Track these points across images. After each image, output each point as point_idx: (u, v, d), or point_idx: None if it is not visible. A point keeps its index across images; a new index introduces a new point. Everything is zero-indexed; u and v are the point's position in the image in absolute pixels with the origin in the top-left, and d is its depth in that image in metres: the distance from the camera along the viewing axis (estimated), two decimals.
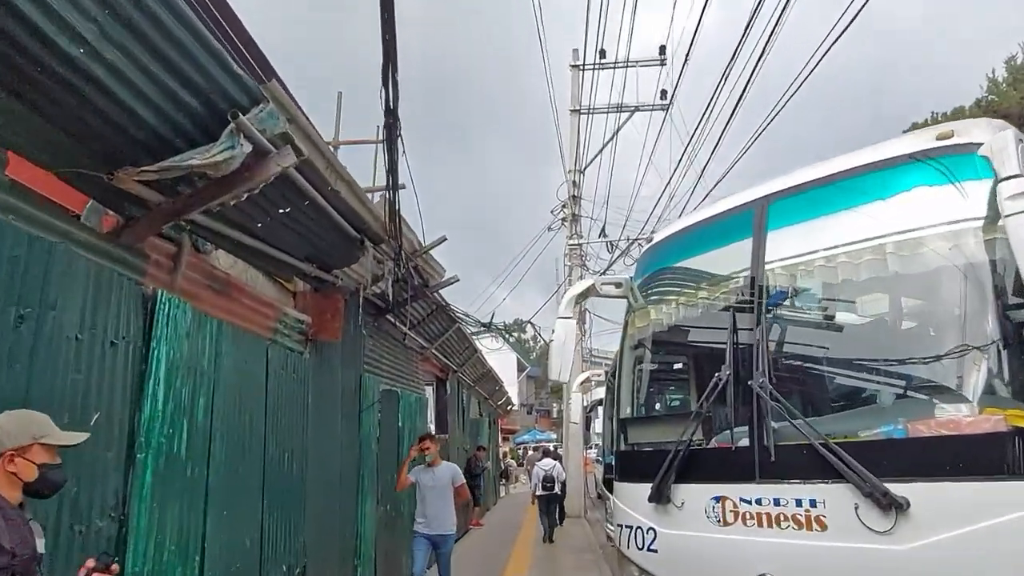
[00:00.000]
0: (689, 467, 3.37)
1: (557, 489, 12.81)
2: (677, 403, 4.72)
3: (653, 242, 4.50)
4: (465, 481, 6.59)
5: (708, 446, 3.50)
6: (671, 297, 4.03)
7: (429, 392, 11.54)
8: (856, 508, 2.67)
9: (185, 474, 3.18)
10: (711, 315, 3.70)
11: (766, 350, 3.26)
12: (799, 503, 2.89)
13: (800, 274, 3.35)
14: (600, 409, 13.95)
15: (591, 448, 18.99)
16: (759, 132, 8.50)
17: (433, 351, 10.27)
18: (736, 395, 3.26)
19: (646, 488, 3.53)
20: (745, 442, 3.18)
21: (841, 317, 3.49)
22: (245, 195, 3.27)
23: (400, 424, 7.90)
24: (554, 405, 49.55)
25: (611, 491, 10.07)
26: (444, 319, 9.80)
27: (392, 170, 3.92)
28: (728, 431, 3.31)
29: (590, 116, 16.48)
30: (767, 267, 3.38)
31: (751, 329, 3.32)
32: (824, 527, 2.79)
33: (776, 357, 3.36)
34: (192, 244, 3.47)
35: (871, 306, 3.39)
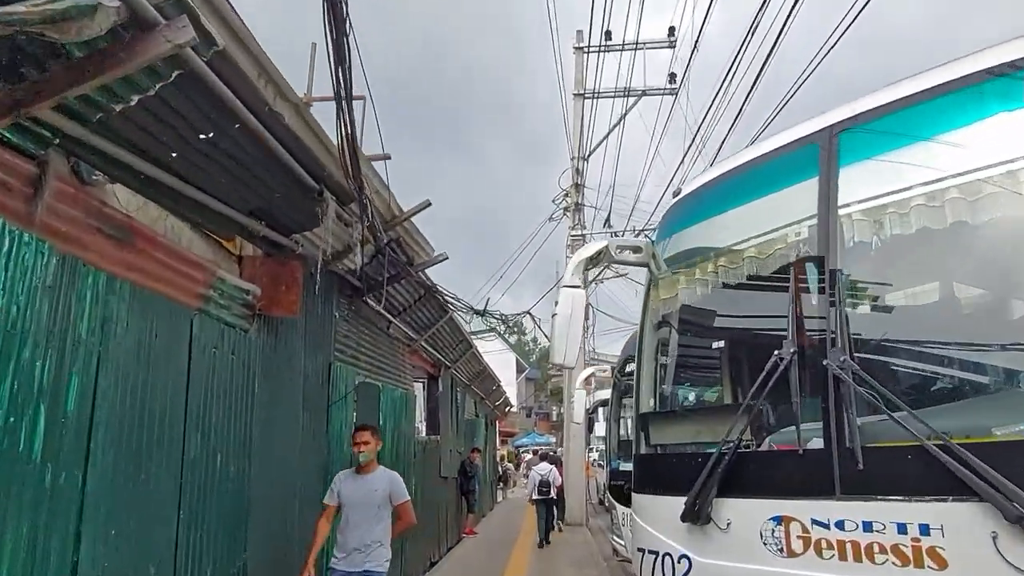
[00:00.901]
0: (737, 476, 2.62)
1: (553, 494, 12.75)
2: (715, 393, 3.83)
3: (682, 194, 3.62)
4: (409, 499, 4.64)
5: (764, 448, 2.72)
6: (707, 260, 3.18)
7: (419, 389, 10.84)
8: (994, 538, 1.96)
9: (41, 481, 2.27)
10: (762, 279, 2.92)
11: (844, 318, 2.49)
12: (902, 529, 2.13)
13: (888, 218, 2.57)
14: (602, 411, 13.25)
15: (593, 451, 18.40)
16: (768, 122, 7.83)
17: (422, 343, 9.42)
18: (804, 379, 2.51)
19: (677, 503, 2.74)
20: (819, 443, 2.42)
21: (948, 273, 2.66)
22: (135, 97, 2.40)
23: (381, 422, 7.05)
24: (554, 408, 48.83)
25: (616, 499, 9.18)
26: (435, 307, 8.94)
27: (340, 63, 2.90)
28: (793, 428, 2.51)
29: (595, 101, 15.78)
30: (841, 212, 2.61)
31: (822, 293, 2.56)
32: (943, 564, 2.04)
33: (859, 328, 2.53)
34: (71, 169, 2.57)
35: (994, 256, 2.53)
